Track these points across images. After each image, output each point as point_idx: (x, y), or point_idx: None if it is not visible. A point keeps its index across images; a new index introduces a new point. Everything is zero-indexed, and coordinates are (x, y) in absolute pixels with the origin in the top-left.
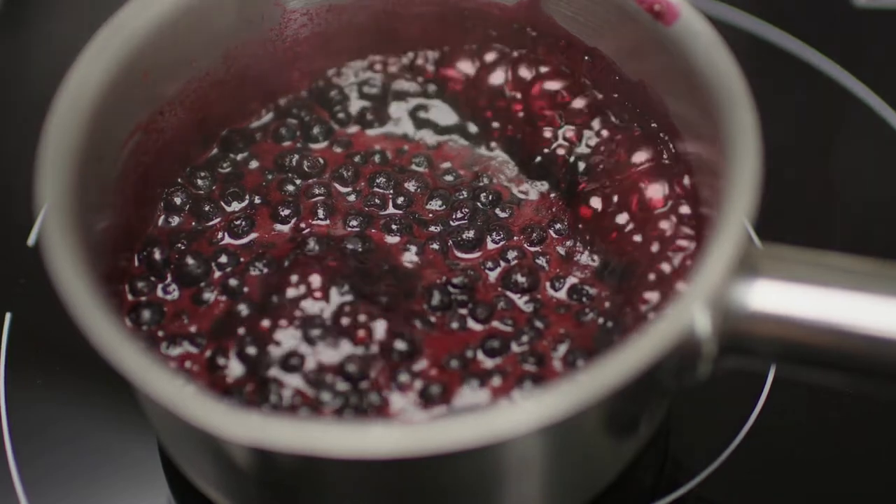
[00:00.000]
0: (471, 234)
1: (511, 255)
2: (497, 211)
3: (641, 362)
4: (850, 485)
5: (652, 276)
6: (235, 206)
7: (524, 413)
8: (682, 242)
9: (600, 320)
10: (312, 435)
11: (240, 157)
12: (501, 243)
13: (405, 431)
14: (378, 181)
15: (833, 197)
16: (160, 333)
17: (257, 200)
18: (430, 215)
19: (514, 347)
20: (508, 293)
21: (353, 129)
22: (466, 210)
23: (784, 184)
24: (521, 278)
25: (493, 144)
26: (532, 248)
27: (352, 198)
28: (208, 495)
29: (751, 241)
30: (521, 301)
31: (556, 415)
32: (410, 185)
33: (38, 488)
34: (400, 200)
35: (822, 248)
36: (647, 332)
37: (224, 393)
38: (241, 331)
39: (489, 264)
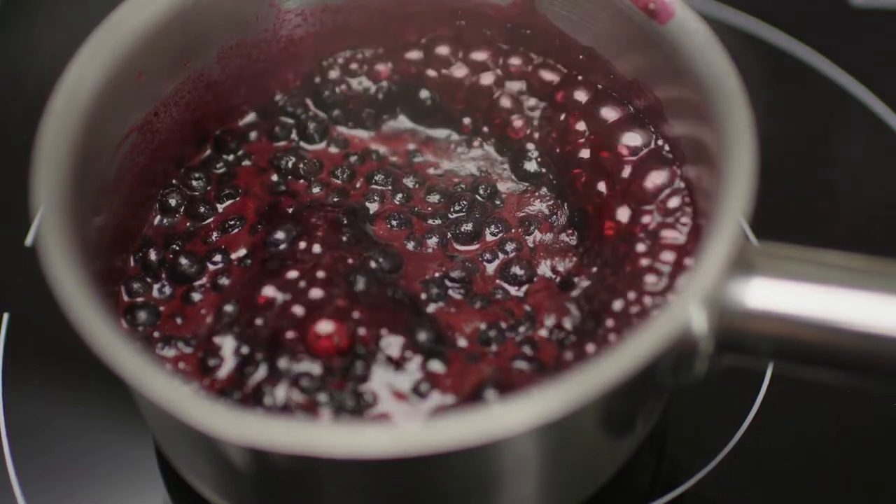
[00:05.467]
0: (469, 226)
1: (509, 246)
2: (495, 203)
3: (638, 360)
4: (848, 483)
5: (648, 273)
6: (230, 207)
7: (520, 412)
8: (678, 240)
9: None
10: (309, 435)
11: (234, 157)
12: (500, 235)
13: (401, 431)
14: (377, 178)
15: (829, 195)
16: (156, 334)
17: (251, 197)
18: (429, 209)
19: (509, 334)
20: (506, 285)
21: (349, 128)
22: (465, 203)
23: (780, 182)
24: (519, 270)
25: (488, 143)
26: (530, 240)
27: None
28: (204, 495)
29: (747, 239)
30: (518, 292)
31: (552, 413)
32: (409, 181)
33: (35, 488)
34: (399, 197)
35: (819, 245)
36: (644, 330)
37: (219, 393)
38: (237, 330)
39: (487, 256)
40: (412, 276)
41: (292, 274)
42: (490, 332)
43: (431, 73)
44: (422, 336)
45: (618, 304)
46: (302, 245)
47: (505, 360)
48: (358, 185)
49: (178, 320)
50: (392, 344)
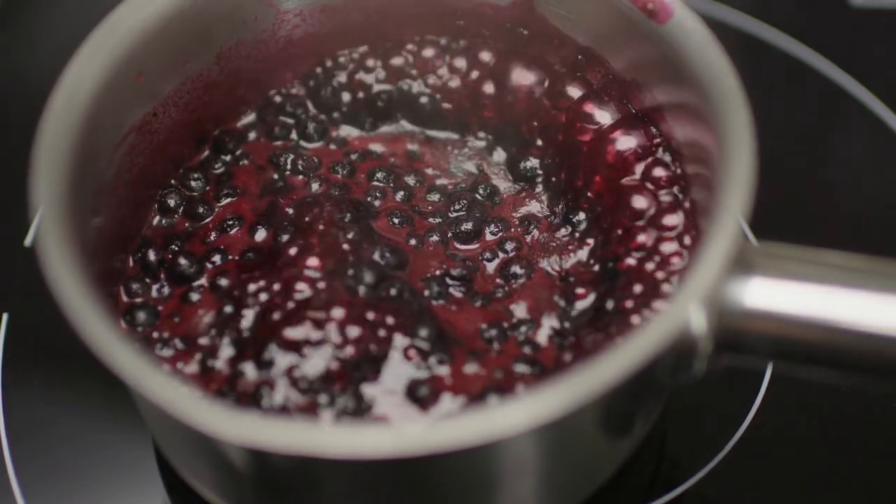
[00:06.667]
0: (469, 225)
1: (509, 246)
2: (494, 202)
3: (637, 360)
4: (848, 483)
5: (647, 273)
6: (229, 207)
7: (520, 412)
8: (677, 239)
9: (592, 311)
10: (308, 435)
11: (232, 157)
12: (500, 234)
13: (401, 432)
14: (378, 176)
15: (828, 195)
16: (155, 335)
17: (249, 197)
18: (430, 207)
19: (511, 333)
20: (506, 283)
21: (348, 129)
22: (465, 202)
23: (779, 182)
24: (519, 269)
25: (487, 144)
26: (529, 239)
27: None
28: (203, 496)
29: (746, 239)
30: (518, 291)
31: (551, 413)
32: (409, 180)
33: (34, 488)
34: (400, 195)
35: (819, 245)
36: (643, 330)
37: (218, 394)
38: (237, 330)
39: (487, 254)
40: (413, 274)
41: (294, 272)
42: (491, 331)
43: (430, 73)
44: (424, 333)
45: (617, 304)
46: (304, 242)
47: (506, 359)
48: (359, 183)
49: (177, 320)
50: (396, 342)
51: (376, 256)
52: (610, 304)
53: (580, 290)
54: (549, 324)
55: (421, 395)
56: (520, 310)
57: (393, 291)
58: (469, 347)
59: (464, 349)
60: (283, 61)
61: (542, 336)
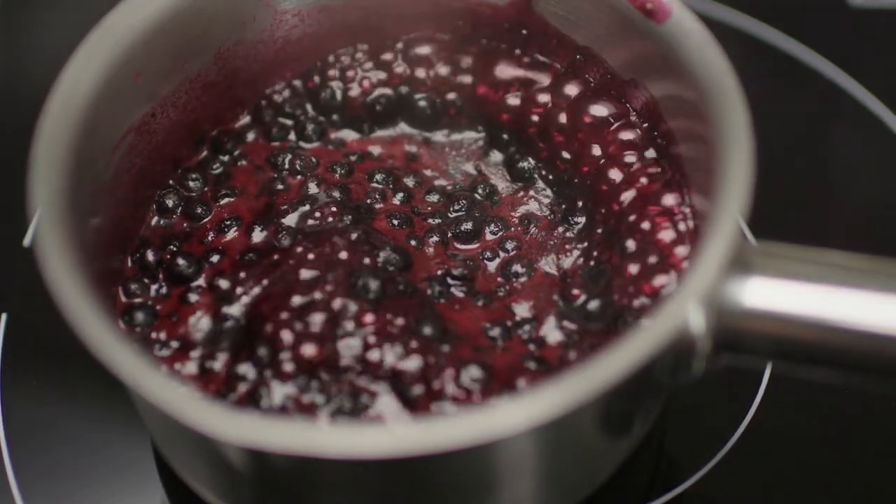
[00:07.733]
0: (469, 225)
1: (509, 245)
2: (493, 201)
3: (636, 360)
4: (848, 482)
5: (647, 271)
6: (227, 207)
7: (519, 412)
8: (676, 238)
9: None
10: (307, 435)
11: (230, 157)
12: (500, 234)
13: (399, 432)
14: (377, 177)
15: (827, 194)
16: (153, 335)
17: (247, 197)
18: (429, 208)
19: (514, 332)
20: (507, 282)
21: (347, 130)
22: (464, 202)
23: (779, 182)
24: (520, 268)
25: (486, 143)
26: (529, 238)
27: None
28: (202, 496)
29: (745, 239)
30: (519, 290)
31: (550, 413)
32: (408, 181)
33: (33, 489)
34: (399, 196)
35: (818, 245)
36: (642, 330)
37: (217, 394)
38: (235, 331)
39: (487, 254)
40: (414, 274)
41: (293, 271)
42: (495, 329)
43: (429, 73)
44: (428, 330)
45: (617, 302)
46: (303, 242)
47: (513, 356)
48: (359, 183)
49: (176, 321)
50: (397, 339)
51: (380, 257)
52: (609, 304)
53: (578, 290)
54: (551, 322)
55: (421, 393)
56: (522, 308)
57: (395, 289)
58: (473, 344)
59: (468, 345)
60: (282, 62)
61: (546, 334)
